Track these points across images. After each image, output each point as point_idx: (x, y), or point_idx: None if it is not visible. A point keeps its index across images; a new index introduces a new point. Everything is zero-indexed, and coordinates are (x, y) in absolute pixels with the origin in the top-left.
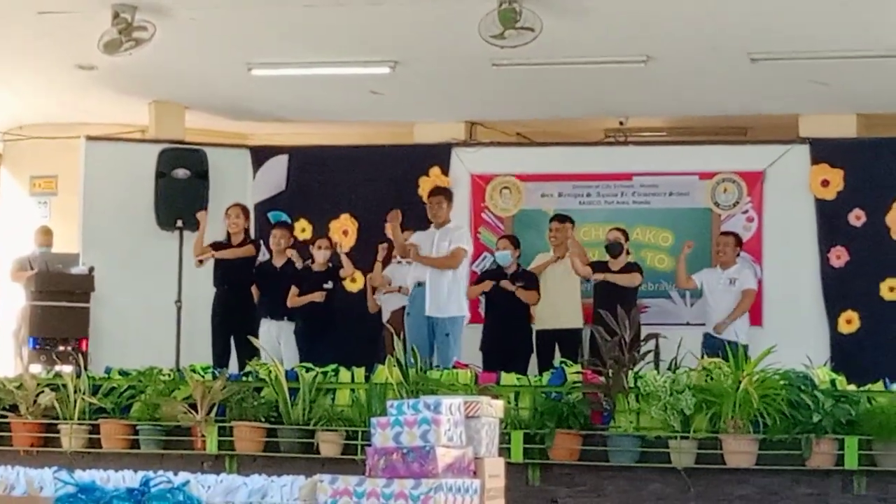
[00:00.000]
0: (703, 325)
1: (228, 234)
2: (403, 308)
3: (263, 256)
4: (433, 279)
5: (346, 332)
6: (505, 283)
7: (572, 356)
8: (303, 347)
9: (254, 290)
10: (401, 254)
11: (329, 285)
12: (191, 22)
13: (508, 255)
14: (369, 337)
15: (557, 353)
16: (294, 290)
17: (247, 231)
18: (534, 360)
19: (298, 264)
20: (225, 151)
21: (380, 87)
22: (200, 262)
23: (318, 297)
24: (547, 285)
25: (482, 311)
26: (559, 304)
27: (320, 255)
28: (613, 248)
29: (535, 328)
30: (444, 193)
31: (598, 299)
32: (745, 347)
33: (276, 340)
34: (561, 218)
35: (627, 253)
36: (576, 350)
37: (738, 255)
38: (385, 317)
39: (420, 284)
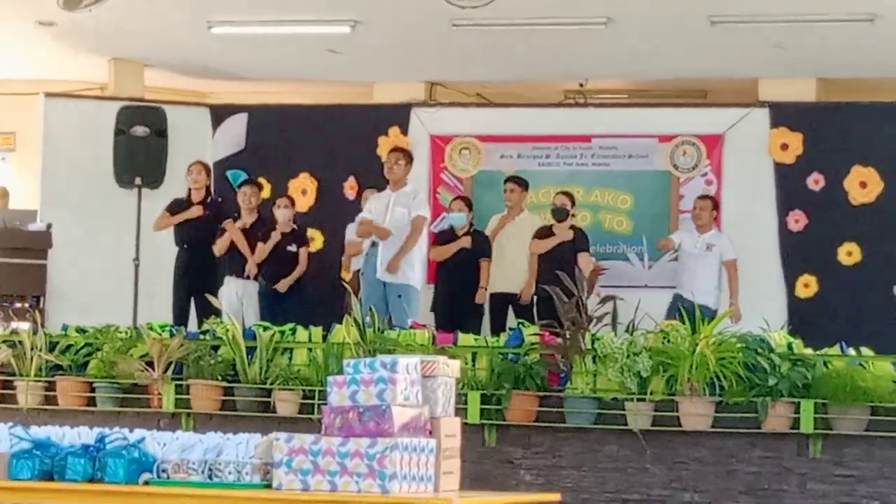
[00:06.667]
0: (667, 287)
1: (189, 192)
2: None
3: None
4: (386, 242)
5: (308, 292)
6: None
7: (527, 319)
8: (265, 307)
9: (215, 248)
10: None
11: (293, 248)
12: None
13: (463, 217)
14: (330, 297)
15: (511, 316)
16: (260, 245)
17: (208, 189)
18: (486, 322)
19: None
20: (184, 109)
21: (340, 46)
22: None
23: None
24: (502, 248)
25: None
26: (513, 266)
27: (281, 214)
28: (559, 213)
29: (488, 291)
30: (402, 152)
31: (544, 262)
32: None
33: (239, 300)
34: (517, 180)
35: (573, 216)
36: (530, 313)
37: (715, 219)
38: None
39: (374, 245)
